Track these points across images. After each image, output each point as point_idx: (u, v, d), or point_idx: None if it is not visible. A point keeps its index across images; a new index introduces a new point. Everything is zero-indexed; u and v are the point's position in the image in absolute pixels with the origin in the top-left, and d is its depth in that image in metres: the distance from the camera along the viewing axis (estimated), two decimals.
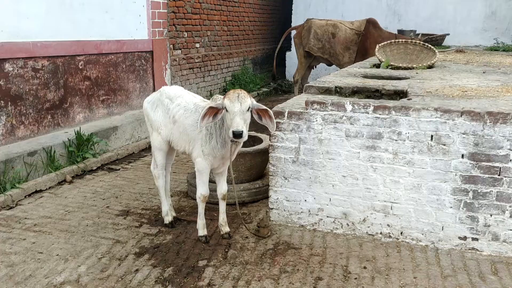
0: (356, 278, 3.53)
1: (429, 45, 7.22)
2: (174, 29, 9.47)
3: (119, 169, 6.33)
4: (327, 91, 5.01)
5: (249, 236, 4.22)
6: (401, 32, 10.30)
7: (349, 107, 3.99)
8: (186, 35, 9.88)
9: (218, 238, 4.21)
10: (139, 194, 5.35)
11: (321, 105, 4.08)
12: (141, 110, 8.85)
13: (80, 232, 4.38)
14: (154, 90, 8.81)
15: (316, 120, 4.11)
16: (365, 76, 5.91)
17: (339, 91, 5.03)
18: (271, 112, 3.60)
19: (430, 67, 6.71)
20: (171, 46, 9.34)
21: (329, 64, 10.18)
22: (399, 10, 12.34)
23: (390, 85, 5.06)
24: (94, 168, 6.30)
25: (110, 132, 7.13)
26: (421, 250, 3.92)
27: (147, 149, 7.42)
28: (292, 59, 13.39)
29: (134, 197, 5.24)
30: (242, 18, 12.45)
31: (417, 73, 6.15)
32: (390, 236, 4.06)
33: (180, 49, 9.72)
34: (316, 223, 4.28)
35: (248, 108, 3.50)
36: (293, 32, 10.55)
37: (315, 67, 10.58)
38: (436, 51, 7.06)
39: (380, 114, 3.91)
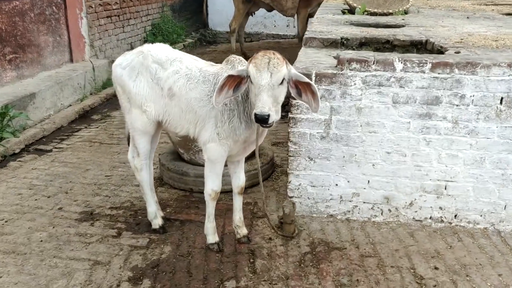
0: (435, 286, 2.80)
1: None
2: None
3: (51, 150, 4.91)
4: (333, 43, 4.08)
5: (272, 236, 3.28)
6: None
7: (399, 66, 3.11)
8: None
9: (233, 243, 3.21)
10: (96, 185, 4.08)
11: (361, 63, 3.15)
12: (58, 71, 7.21)
13: (36, 252, 3.10)
14: (69, 44, 7.16)
15: (355, 84, 3.19)
16: (353, 24, 5.05)
17: (345, 43, 4.14)
18: (315, 87, 2.57)
19: (405, 12, 6.03)
20: None
21: (270, 10, 9.12)
22: None
23: (402, 34, 4.27)
24: (17, 151, 4.81)
25: (27, 101, 5.56)
26: (483, 235, 3.29)
27: (78, 120, 5.96)
28: (216, 5, 12.07)
29: (92, 191, 3.98)
30: None
31: (403, 19, 5.42)
32: (442, 221, 3.38)
33: None
34: (349, 211, 3.45)
35: (282, 81, 2.47)
36: None
37: (254, 13, 9.45)
38: None
39: (439, 74, 3.09)
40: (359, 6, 5.94)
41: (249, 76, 2.49)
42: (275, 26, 12.00)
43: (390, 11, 5.90)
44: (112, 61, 8.34)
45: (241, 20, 9.01)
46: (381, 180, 3.35)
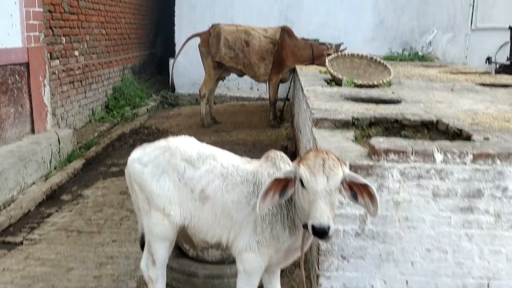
0: None
1: (377, 59, 6.56)
2: (51, 33, 7.32)
3: (21, 243, 4.28)
4: (345, 124, 3.88)
5: None
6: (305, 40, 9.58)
7: (439, 157, 2.92)
8: (64, 41, 7.75)
9: None
10: None
11: (399, 154, 2.93)
12: (19, 145, 6.54)
13: None
14: (31, 114, 6.58)
15: (392, 176, 2.95)
16: (348, 98, 4.93)
17: (355, 123, 3.95)
18: (373, 189, 2.28)
19: (389, 84, 6.03)
20: (48, 55, 7.17)
21: (241, 75, 8.99)
22: (291, 17, 11.68)
23: (409, 113, 4.14)
24: None
25: None
26: None
27: (46, 202, 5.33)
28: (177, 67, 11.80)
29: None
30: (119, 19, 10.52)
31: (393, 92, 5.37)
32: None
33: (58, 58, 7.58)
34: None
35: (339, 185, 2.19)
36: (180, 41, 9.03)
37: (224, 79, 9.28)
38: (388, 65, 6.42)
39: (480, 165, 2.92)
40: (345, 78, 5.87)
41: (300, 179, 2.18)
42: (238, 88, 11.91)
43: (375, 82, 5.87)
44: (75, 129, 7.84)
45: (212, 85, 8.80)
46: (420, 279, 3.06)
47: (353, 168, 2.94)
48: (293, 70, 8.81)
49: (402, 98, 4.99)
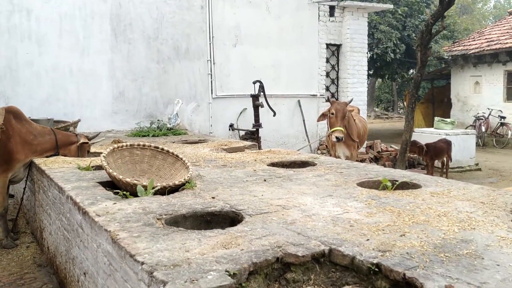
0: None
1: (164, 148, 5.10)
2: None
3: None
4: None
5: None
6: (35, 121, 7.34)
7: None
8: None
9: None
10: None
11: None
12: None
13: None
14: None
15: None
16: (170, 223, 3.33)
17: (234, 283, 2.42)
18: None
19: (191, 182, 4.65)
20: None
21: None
22: (5, 92, 8.96)
23: (285, 242, 2.87)
24: None
25: None
26: None
27: None
28: None
29: None
30: None
31: (213, 197, 4.02)
32: None
33: None
34: None
35: None
36: None
37: None
38: (180, 155, 5.04)
39: None
40: (137, 182, 4.19)
41: None
42: None
43: (177, 182, 4.39)
44: None
45: None
46: None
47: None
48: (29, 166, 6.47)
49: (234, 206, 3.69)
